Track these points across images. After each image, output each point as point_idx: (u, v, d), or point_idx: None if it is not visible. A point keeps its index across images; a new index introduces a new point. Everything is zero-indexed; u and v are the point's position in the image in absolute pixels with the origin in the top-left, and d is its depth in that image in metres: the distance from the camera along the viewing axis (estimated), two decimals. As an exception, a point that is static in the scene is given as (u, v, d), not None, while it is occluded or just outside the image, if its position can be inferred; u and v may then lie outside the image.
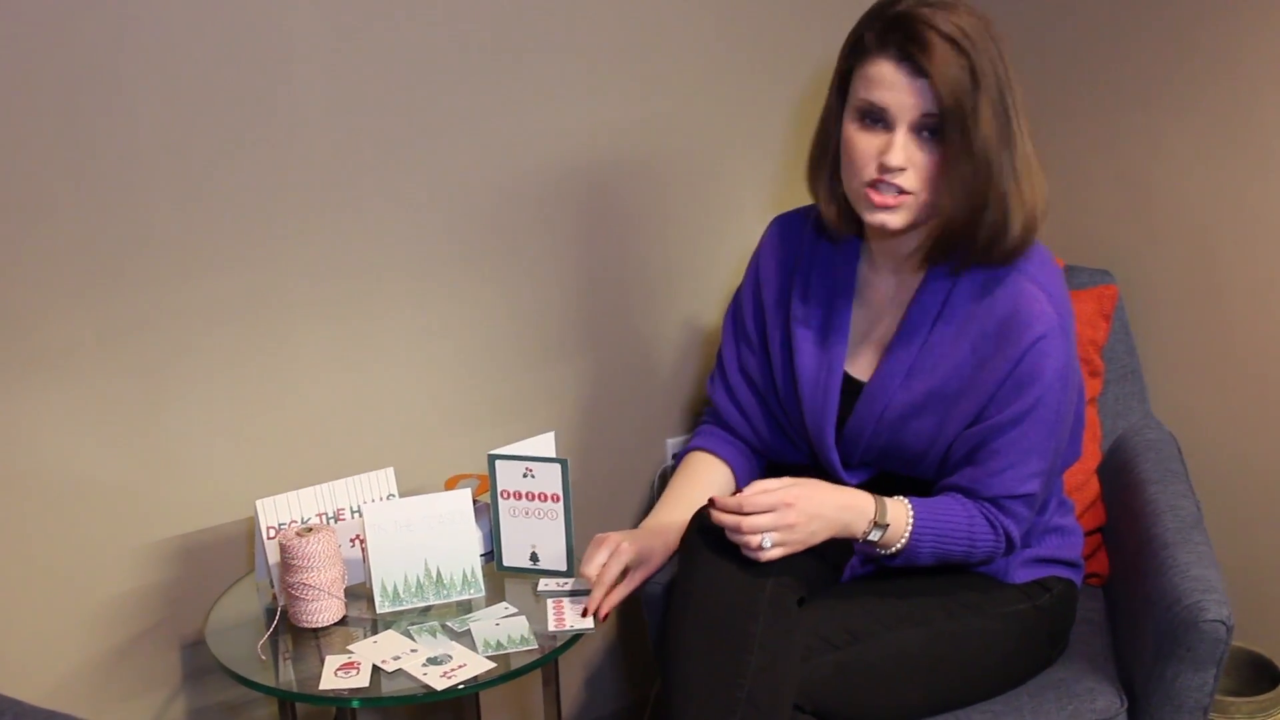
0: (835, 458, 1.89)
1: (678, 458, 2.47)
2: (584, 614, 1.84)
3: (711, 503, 1.73)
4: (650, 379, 2.47)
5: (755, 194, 2.50)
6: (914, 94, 1.69)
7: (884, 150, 1.71)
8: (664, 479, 2.54)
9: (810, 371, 1.91)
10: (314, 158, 2.02)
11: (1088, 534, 2.20)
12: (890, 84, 1.70)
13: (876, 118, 1.73)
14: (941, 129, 1.69)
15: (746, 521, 1.69)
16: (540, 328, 2.31)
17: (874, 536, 1.76)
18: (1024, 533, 1.85)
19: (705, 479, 2.01)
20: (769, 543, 1.69)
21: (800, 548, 1.73)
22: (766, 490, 1.71)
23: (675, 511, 1.95)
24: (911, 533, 1.77)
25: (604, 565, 1.84)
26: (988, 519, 1.80)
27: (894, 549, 1.79)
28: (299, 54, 1.98)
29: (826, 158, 1.84)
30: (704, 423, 2.09)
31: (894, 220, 1.74)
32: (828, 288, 1.92)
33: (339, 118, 2.03)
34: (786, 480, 1.74)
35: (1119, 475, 2.24)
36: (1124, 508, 2.17)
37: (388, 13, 2.04)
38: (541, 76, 2.21)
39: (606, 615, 1.85)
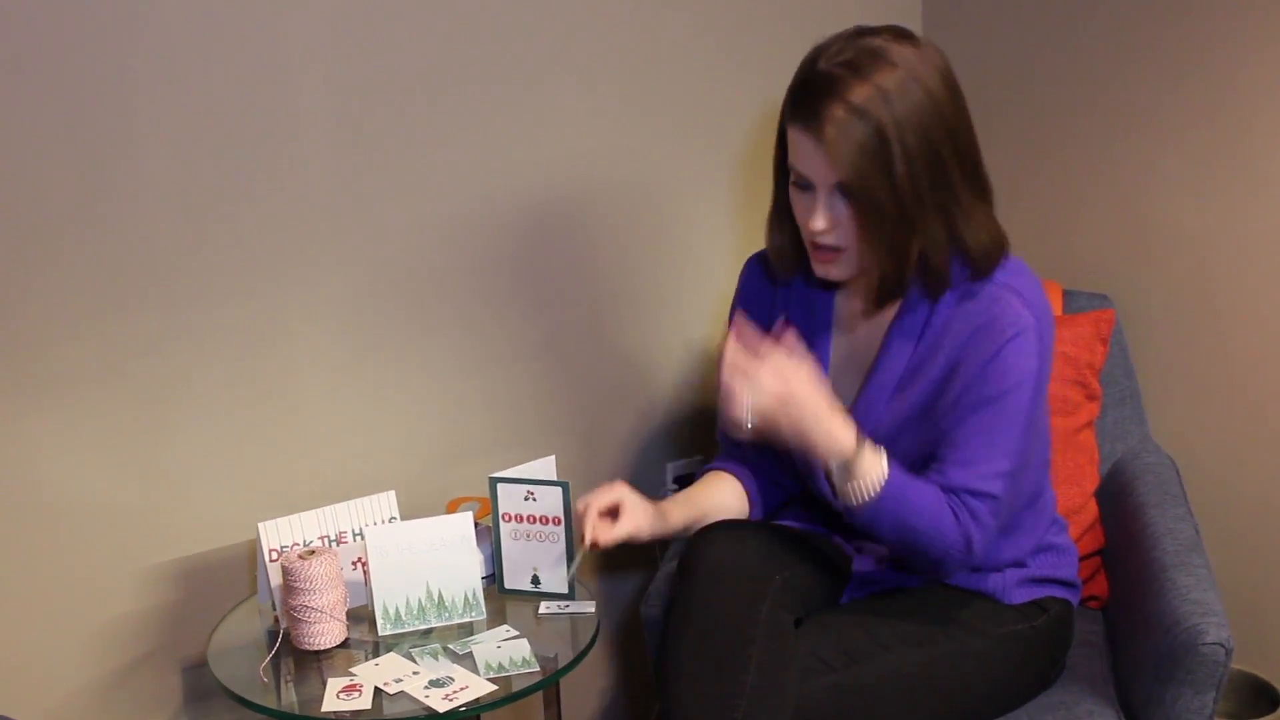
0: (825, 487, 1.90)
1: (679, 480, 2.48)
2: (580, 542, 1.87)
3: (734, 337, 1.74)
4: (651, 403, 2.48)
5: (754, 215, 2.50)
6: (819, 160, 1.70)
7: (809, 216, 1.75)
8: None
9: None
10: (318, 187, 2.03)
11: (1087, 557, 2.20)
12: (804, 151, 1.72)
13: (803, 183, 1.75)
14: (852, 192, 1.70)
15: (754, 368, 1.70)
16: (541, 351, 2.32)
17: (836, 474, 1.74)
18: (985, 543, 1.78)
19: (718, 488, 2.02)
20: (751, 424, 1.71)
21: (769, 424, 1.73)
22: (784, 362, 1.72)
23: (679, 507, 1.96)
24: (882, 491, 1.73)
25: (594, 497, 1.89)
26: (953, 510, 1.75)
27: (859, 500, 1.74)
28: (306, 86, 1.99)
29: (777, 208, 1.87)
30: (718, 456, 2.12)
31: (835, 273, 1.80)
32: (806, 321, 1.93)
33: (344, 146, 2.05)
34: (805, 367, 1.75)
35: (1118, 499, 2.24)
36: (1123, 531, 2.18)
37: (390, 48, 2.05)
38: (535, 102, 2.23)
39: (595, 545, 1.86)
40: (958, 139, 1.72)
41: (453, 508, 2.07)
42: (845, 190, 1.71)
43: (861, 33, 1.72)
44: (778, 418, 1.73)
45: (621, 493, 1.90)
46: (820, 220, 1.73)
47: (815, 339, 1.91)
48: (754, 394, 1.71)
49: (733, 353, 1.73)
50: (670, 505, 1.96)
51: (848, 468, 1.74)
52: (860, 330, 1.90)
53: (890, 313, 1.85)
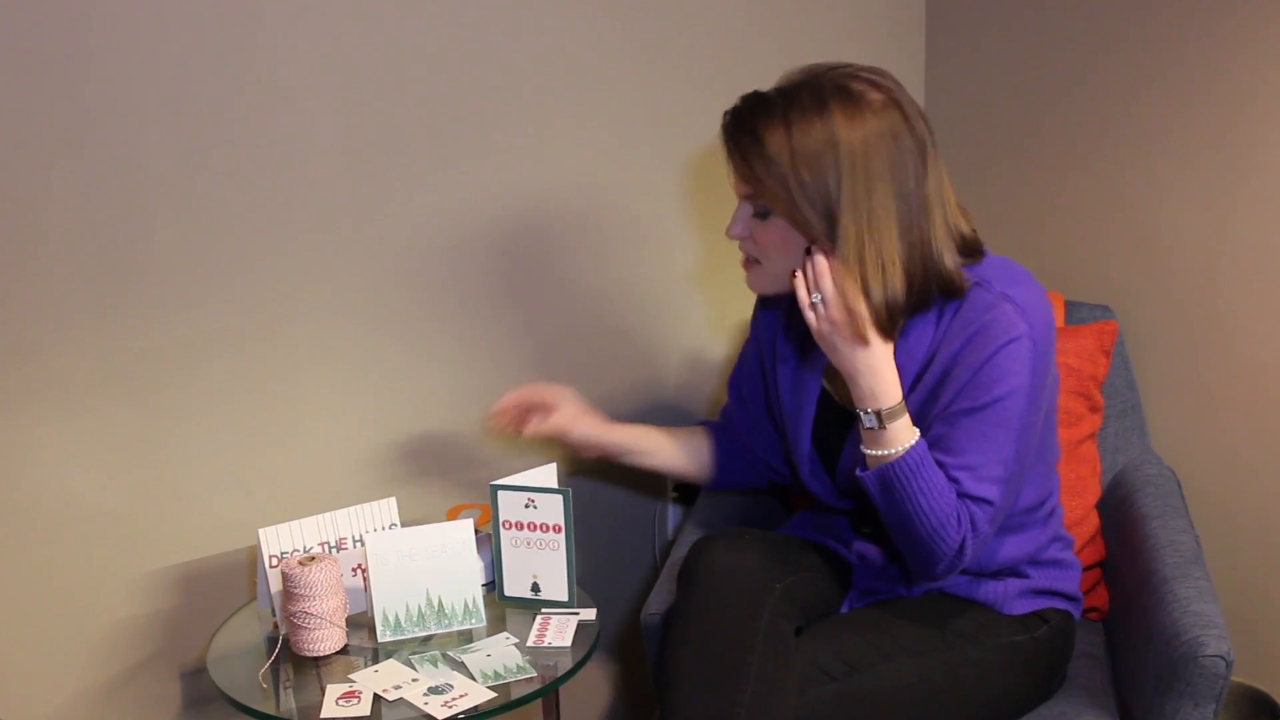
0: (817, 486, 1.90)
1: (680, 489, 2.49)
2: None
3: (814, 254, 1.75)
4: (653, 410, 2.48)
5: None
6: (736, 176, 1.81)
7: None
8: (666, 509, 2.55)
9: (789, 404, 1.96)
10: (320, 194, 2.04)
11: (1088, 568, 2.20)
12: (729, 164, 1.81)
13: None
14: (761, 209, 1.79)
15: (834, 277, 1.72)
16: (543, 358, 2.32)
17: (867, 423, 1.75)
18: (977, 549, 1.78)
19: (681, 439, 2.13)
20: (818, 299, 1.73)
21: (822, 339, 1.75)
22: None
23: (625, 431, 2.10)
24: (907, 455, 1.73)
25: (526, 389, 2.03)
26: (957, 512, 1.75)
27: (880, 452, 1.75)
28: (304, 86, 2.00)
29: None
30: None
31: (752, 283, 1.89)
32: (806, 329, 1.93)
33: (345, 154, 2.05)
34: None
35: (1119, 510, 2.24)
36: (1124, 542, 2.17)
37: (391, 55, 2.06)
38: (535, 105, 2.23)
39: (517, 431, 1.97)
40: (885, 173, 1.71)
41: (454, 514, 2.07)
42: (754, 205, 1.80)
43: (831, 69, 1.76)
44: (826, 332, 1.74)
45: (560, 392, 2.01)
46: (735, 227, 1.84)
47: (812, 349, 1.92)
48: (820, 301, 1.74)
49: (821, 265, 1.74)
50: (618, 426, 2.07)
51: (882, 419, 1.74)
52: None
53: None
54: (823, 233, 1.72)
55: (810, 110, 1.71)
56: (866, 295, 1.72)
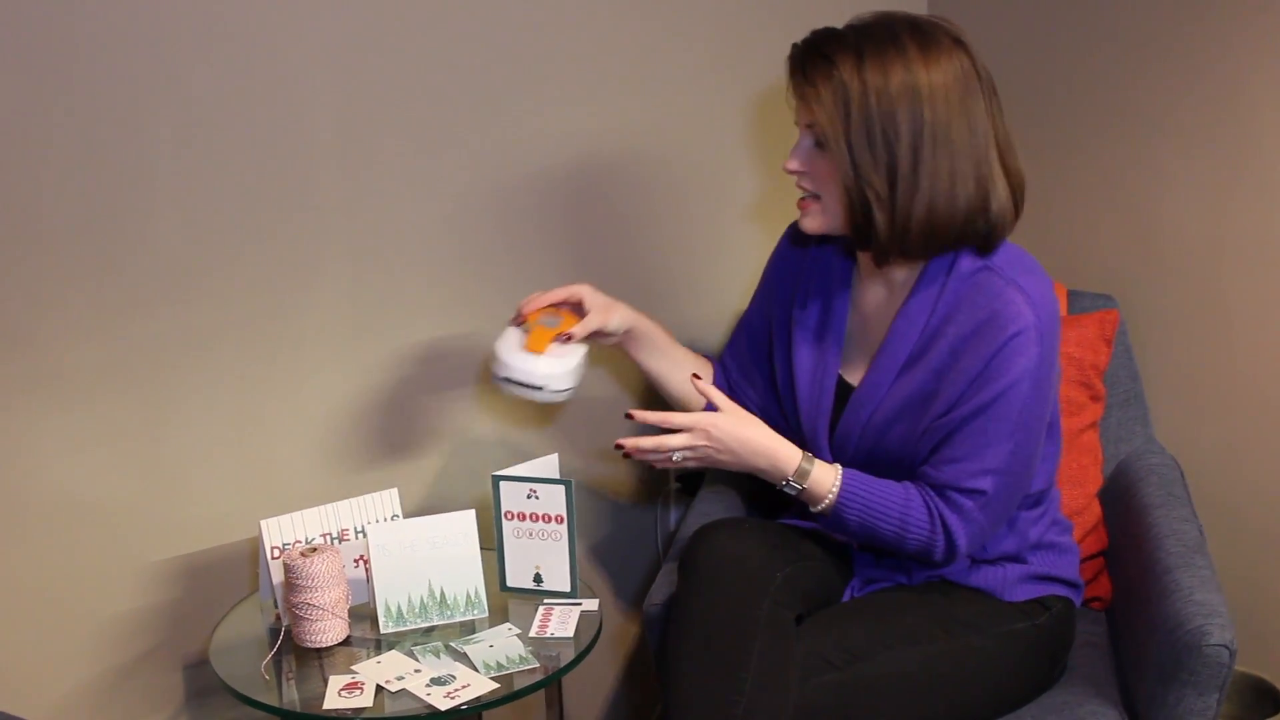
0: (828, 457, 1.91)
1: (682, 479, 2.48)
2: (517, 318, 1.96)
3: (629, 416, 1.86)
4: (655, 400, 2.47)
5: (765, 210, 2.51)
6: (800, 101, 1.82)
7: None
8: (669, 500, 2.55)
9: (807, 373, 1.96)
10: (317, 180, 2.03)
11: (1090, 558, 2.20)
12: (792, 95, 1.83)
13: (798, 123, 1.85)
14: (821, 139, 1.80)
15: (662, 441, 1.81)
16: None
17: (789, 491, 1.83)
18: (974, 537, 1.82)
19: (693, 369, 2.09)
20: (678, 457, 1.82)
21: (710, 465, 1.85)
22: (690, 416, 1.83)
23: (656, 322, 2.09)
24: (836, 496, 1.81)
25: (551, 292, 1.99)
26: (927, 506, 1.80)
27: (820, 507, 1.83)
28: (304, 74, 1.99)
29: None
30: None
31: (807, 224, 1.87)
32: (826, 294, 1.96)
33: (341, 139, 2.04)
34: (724, 405, 1.85)
35: (1121, 499, 2.24)
36: (1126, 532, 2.17)
37: (390, 30, 2.05)
38: (542, 85, 2.22)
39: (569, 336, 1.93)
40: (939, 117, 1.75)
41: (534, 317, 1.98)
42: (813, 133, 1.80)
43: (904, 16, 1.81)
44: (710, 462, 1.85)
45: (579, 287, 1.98)
46: (792, 160, 1.84)
47: (832, 312, 1.94)
48: (677, 453, 1.83)
49: (644, 442, 1.83)
50: (643, 319, 2.05)
51: (798, 485, 1.82)
52: (873, 306, 1.92)
53: (903, 294, 1.86)
54: (870, 164, 1.75)
55: (885, 42, 1.75)
56: (922, 210, 1.76)
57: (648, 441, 1.82)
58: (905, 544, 1.83)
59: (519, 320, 1.97)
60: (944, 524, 1.80)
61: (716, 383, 2.13)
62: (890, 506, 1.81)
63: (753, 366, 2.09)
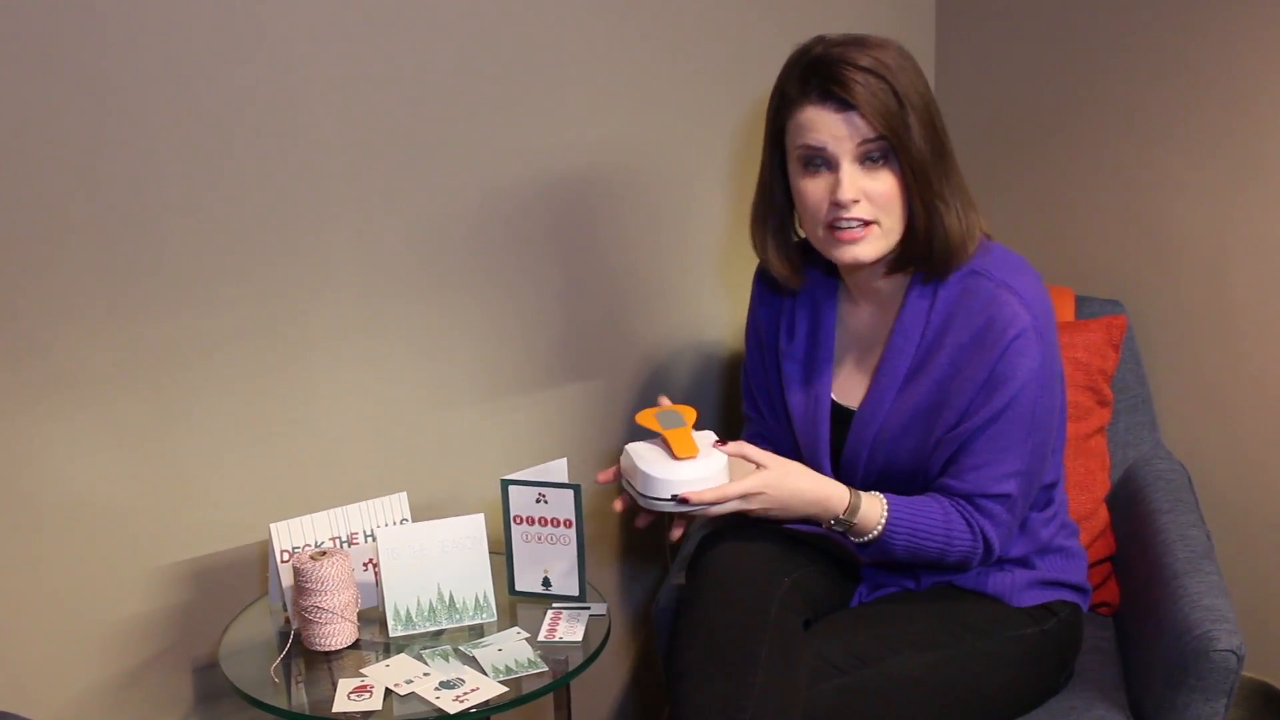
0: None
1: None
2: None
3: (682, 499, 1.76)
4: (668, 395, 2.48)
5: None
6: (846, 126, 1.74)
7: (833, 189, 1.76)
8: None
9: (800, 406, 1.96)
10: (327, 185, 2.04)
11: (1098, 563, 2.20)
12: (822, 124, 1.75)
13: (819, 161, 1.77)
14: (884, 153, 1.75)
15: (732, 504, 1.77)
16: (553, 351, 2.33)
17: (839, 528, 1.82)
18: (1004, 539, 1.85)
19: None
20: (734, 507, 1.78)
21: (769, 516, 1.81)
22: (742, 483, 1.77)
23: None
24: (885, 524, 1.80)
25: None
26: (964, 517, 1.81)
27: (867, 538, 1.82)
28: (315, 85, 2.00)
29: (773, 212, 1.90)
30: None
31: (865, 252, 1.78)
32: (811, 324, 1.96)
33: (351, 150, 2.05)
34: (767, 460, 1.80)
35: (1129, 505, 2.24)
36: (1134, 537, 2.17)
37: (400, 38, 2.06)
38: (560, 92, 2.23)
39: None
40: (939, 117, 1.79)
41: (648, 423, 1.88)
42: (876, 151, 1.74)
43: (831, 35, 1.79)
44: (763, 514, 1.81)
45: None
46: (848, 189, 1.74)
47: (819, 342, 1.93)
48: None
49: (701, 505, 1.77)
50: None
51: (848, 522, 1.81)
52: (863, 326, 1.92)
53: (893, 310, 1.86)
54: (936, 168, 1.75)
55: (881, 48, 1.75)
56: (934, 222, 1.76)
57: (710, 493, 1.75)
58: (948, 557, 1.84)
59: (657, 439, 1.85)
60: (982, 531, 1.82)
61: (750, 434, 2.10)
62: (934, 524, 1.81)
63: (769, 412, 2.07)
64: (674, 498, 1.76)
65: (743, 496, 1.77)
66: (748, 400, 2.11)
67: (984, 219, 1.85)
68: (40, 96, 1.79)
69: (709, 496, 1.75)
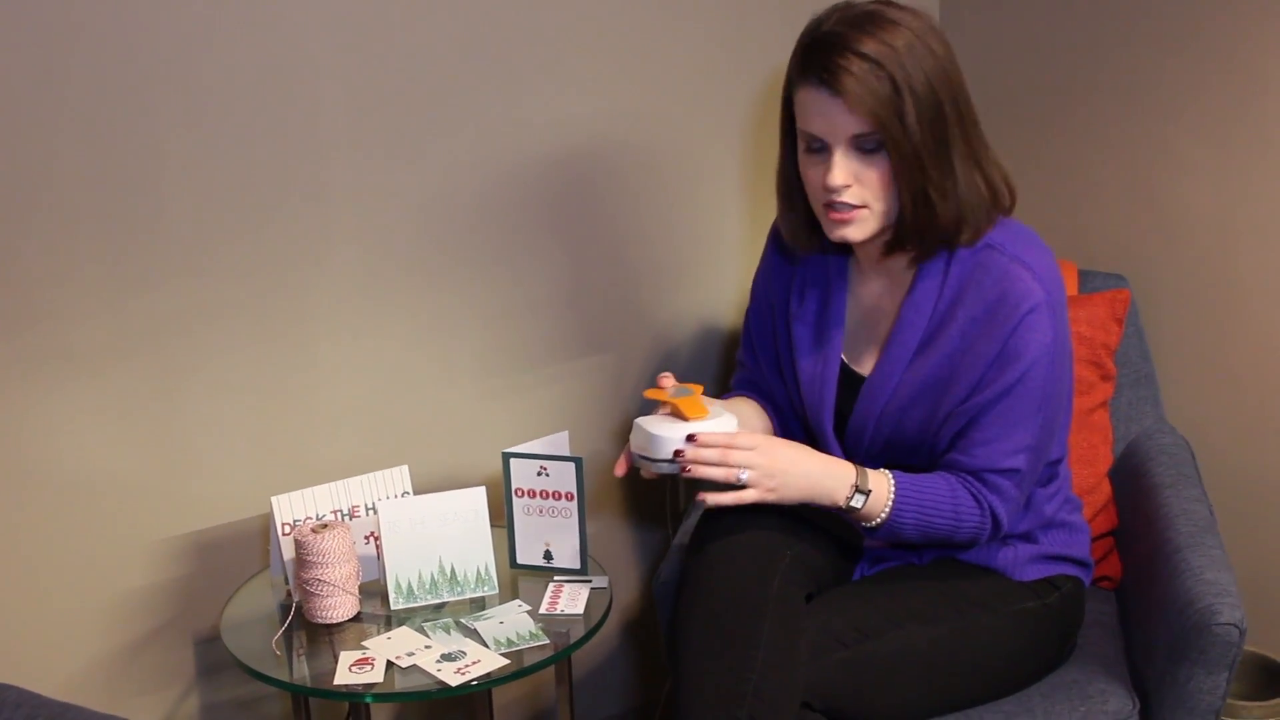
0: (837, 451, 1.90)
1: None
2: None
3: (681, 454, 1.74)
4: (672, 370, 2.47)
5: (769, 184, 2.50)
6: (839, 114, 1.72)
7: (826, 173, 1.75)
8: (678, 478, 2.55)
9: (808, 367, 1.94)
10: (327, 154, 2.03)
11: (1100, 537, 2.20)
12: (818, 110, 1.74)
13: (817, 144, 1.76)
14: (877, 142, 1.72)
15: (732, 454, 1.72)
16: (555, 326, 2.32)
17: (855, 503, 1.77)
18: (1012, 515, 1.84)
19: (751, 407, 2.03)
20: (745, 475, 1.72)
21: (772, 497, 1.75)
22: (754, 435, 1.76)
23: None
24: (893, 503, 1.78)
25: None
26: (972, 494, 1.80)
27: (876, 521, 1.79)
28: (312, 52, 1.99)
29: (785, 181, 1.89)
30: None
31: (853, 234, 1.78)
32: (823, 288, 1.95)
33: (353, 120, 2.04)
34: (775, 439, 1.80)
35: (1132, 479, 2.24)
36: (1137, 511, 2.17)
37: (393, 21, 2.05)
38: (545, 72, 2.22)
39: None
40: (959, 95, 1.76)
41: (659, 396, 1.85)
42: (863, 142, 1.72)
43: (853, 4, 1.76)
44: (774, 488, 1.76)
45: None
46: (838, 176, 1.74)
47: (830, 305, 1.92)
48: (743, 472, 1.74)
49: (709, 453, 1.74)
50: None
51: (856, 499, 1.78)
52: (875, 298, 1.91)
53: (905, 283, 1.85)
54: (931, 155, 1.72)
55: (890, 24, 1.71)
56: (933, 206, 1.74)
57: (711, 452, 1.73)
58: (957, 535, 1.82)
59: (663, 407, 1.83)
60: (991, 508, 1.80)
61: (740, 380, 2.10)
62: (941, 501, 1.80)
63: (768, 366, 2.06)
64: (678, 454, 1.74)
65: (758, 449, 1.73)
66: (745, 346, 2.09)
67: (1011, 190, 1.82)
68: (38, 66, 1.78)
69: (714, 440, 1.73)
